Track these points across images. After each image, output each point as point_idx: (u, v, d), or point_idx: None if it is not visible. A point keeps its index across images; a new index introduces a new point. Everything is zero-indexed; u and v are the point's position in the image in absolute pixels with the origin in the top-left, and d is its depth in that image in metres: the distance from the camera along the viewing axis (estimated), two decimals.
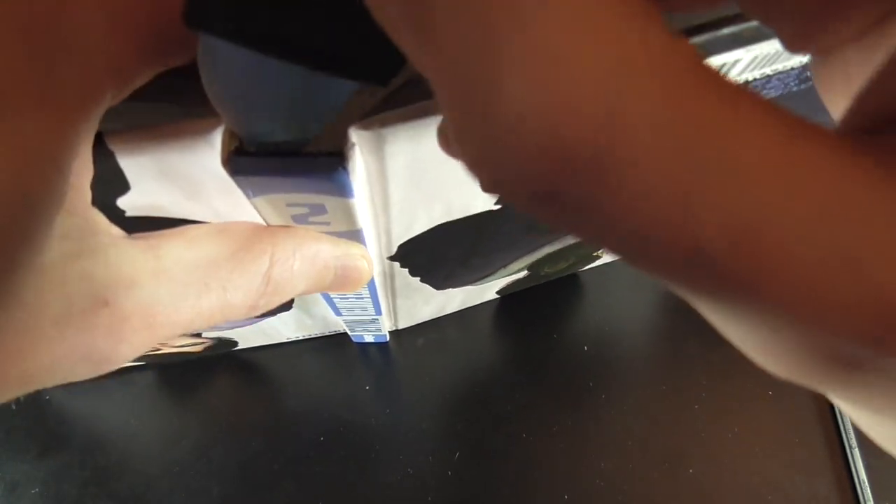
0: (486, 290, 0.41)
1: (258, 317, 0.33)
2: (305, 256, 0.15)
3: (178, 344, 0.37)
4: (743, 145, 0.06)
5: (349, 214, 0.16)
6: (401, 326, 0.42)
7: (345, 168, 0.13)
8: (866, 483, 0.36)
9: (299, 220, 0.16)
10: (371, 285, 0.26)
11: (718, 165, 0.06)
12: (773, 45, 0.17)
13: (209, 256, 0.13)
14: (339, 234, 0.17)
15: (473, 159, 0.07)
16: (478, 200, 0.22)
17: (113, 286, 0.11)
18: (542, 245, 0.32)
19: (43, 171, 0.09)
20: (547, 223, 0.07)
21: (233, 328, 0.35)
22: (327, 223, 0.16)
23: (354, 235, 0.17)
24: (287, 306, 0.32)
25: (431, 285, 0.32)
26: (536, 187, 0.07)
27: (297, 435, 0.39)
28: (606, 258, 0.44)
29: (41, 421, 0.40)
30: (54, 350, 0.11)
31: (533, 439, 0.38)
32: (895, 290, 0.06)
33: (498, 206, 0.23)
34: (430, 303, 0.37)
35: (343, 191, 0.14)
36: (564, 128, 0.06)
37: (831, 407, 0.39)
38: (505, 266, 0.35)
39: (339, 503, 0.36)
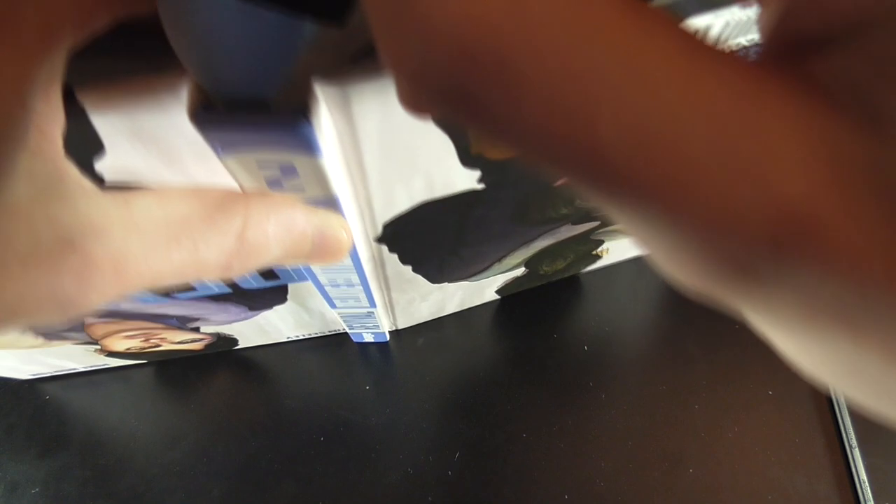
0: (485, 289, 0.41)
1: (253, 310, 0.33)
2: (281, 221, 0.15)
3: (178, 340, 0.37)
4: (648, 53, 0.06)
5: (321, 178, 0.16)
6: (400, 326, 0.42)
7: (308, 120, 0.13)
8: (866, 483, 0.36)
9: (273, 184, 0.16)
10: (360, 271, 0.26)
11: (622, 70, 0.06)
12: (745, 13, 0.17)
13: (181, 213, 0.13)
14: (316, 203, 0.17)
15: (393, 59, 0.07)
16: (458, 177, 0.22)
17: (81, 232, 0.11)
18: (534, 238, 0.32)
19: (3, 105, 0.09)
20: (464, 124, 0.08)
21: (231, 322, 0.35)
22: (301, 189, 0.16)
23: (331, 203, 0.17)
24: (282, 298, 0.32)
25: (424, 277, 0.32)
26: (445, 81, 0.07)
27: (297, 435, 0.39)
28: (607, 259, 0.44)
29: (41, 421, 0.40)
30: (19, 288, 0.11)
31: (533, 439, 0.38)
32: (792, 196, 0.07)
33: (481, 186, 0.23)
34: (427, 299, 0.37)
35: (309, 147, 0.14)
36: (468, 23, 0.06)
37: (831, 407, 0.39)
38: (499, 261, 0.34)
39: (339, 503, 0.36)
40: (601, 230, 0.35)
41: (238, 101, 0.13)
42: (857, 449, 0.37)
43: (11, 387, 0.41)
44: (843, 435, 0.38)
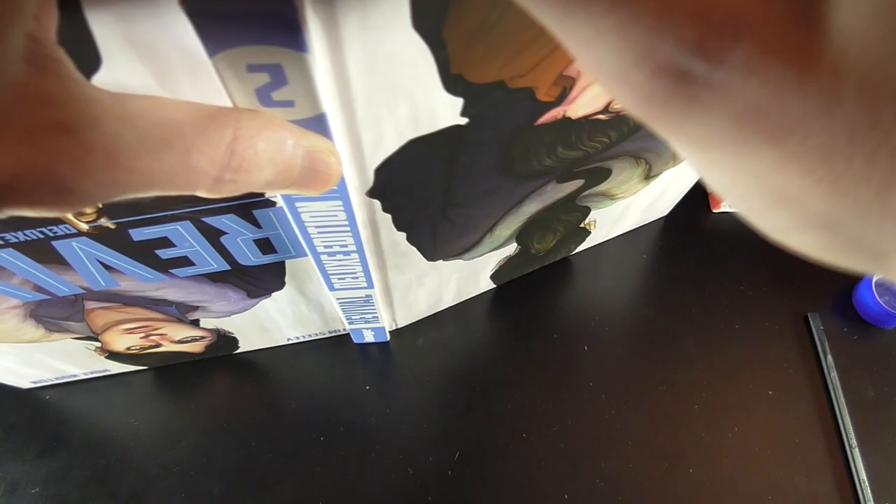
0: (480, 274, 0.41)
1: (252, 297, 0.33)
2: (271, 139, 0.15)
3: (179, 338, 0.37)
4: None
5: (310, 86, 0.16)
6: (400, 324, 0.42)
7: (291, 4, 0.14)
8: (866, 483, 0.36)
9: (264, 96, 0.17)
10: (356, 232, 0.26)
11: None
12: None
13: (173, 118, 0.13)
14: (306, 125, 0.18)
15: None
16: (442, 107, 0.22)
17: (76, 116, 0.11)
18: (522, 199, 0.32)
19: None
20: None
21: (230, 314, 0.35)
22: (291, 103, 0.17)
23: (320, 125, 0.18)
24: (280, 282, 0.32)
25: (418, 249, 0.32)
26: None
27: (297, 435, 0.39)
28: (596, 234, 0.44)
29: (41, 421, 0.40)
30: (19, 164, 0.11)
31: (533, 439, 0.38)
32: (718, 1, 0.08)
33: (464, 120, 0.23)
34: (424, 284, 0.37)
35: (295, 37, 0.15)
36: None
37: (831, 407, 0.39)
38: (490, 231, 0.34)
39: (339, 503, 0.36)
40: (586, 192, 0.36)
41: None
42: (857, 449, 0.37)
43: (12, 387, 0.41)
44: (843, 435, 0.38)
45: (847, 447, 0.37)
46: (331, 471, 0.38)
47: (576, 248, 0.45)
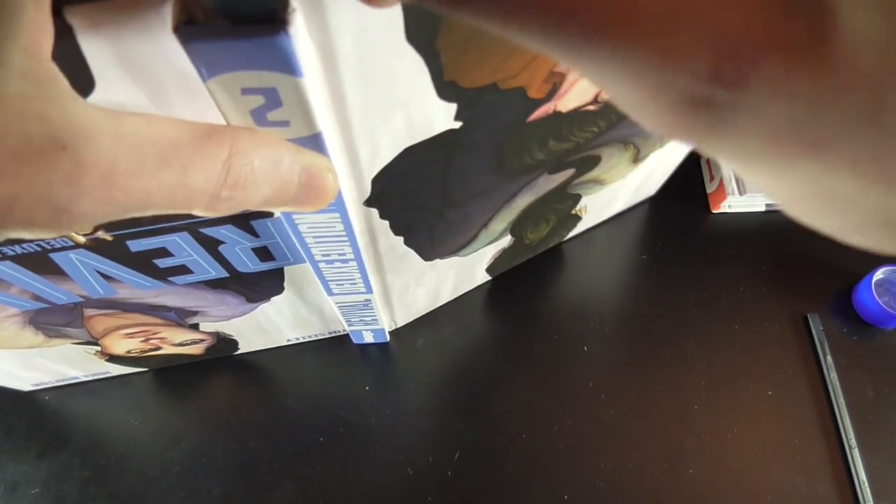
0: (476, 268, 0.41)
1: (251, 302, 0.33)
2: (267, 156, 0.15)
3: (178, 341, 0.37)
4: None
5: (304, 107, 0.16)
6: (399, 323, 0.42)
7: (286, 32, 0.14)
8: (866, 483, 0.36)
9: (259, 117, 0.17)
10: (353, 242, 0.26)
11: None
12: None
13: (169, 136, 0.13)
14: (302, 142, 0.18)
15: None
16: (436, 113, 0.22)
17: (71, 133, 0.11)
18: (515, 193, 0.32)
19: None
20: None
21: (230, 318, 0.35)
22: (286, 123, 0.17)
23: (317, 144, 0.18)
24: (279, 287, 0.32)
25: (416, 251, 0.32)
26: None
27: (297, 435, 0.39)
28: (586, 220, 0.44)
29: (41, 421, 0.40)
30: (15, 185, 0.11)
31: (533, 439, 0.38)
32: (727, 25, 0.08)
33: (458, 124, 0.23)
34: (422, 283, 0.37)
35: (289, 62, 0.15)
36: None
37: (831, 407, 0.39)
38: (486, 227, 0.35)
39: (339, 503, 0.37)
40: (577, 180, 0.36)
41: (223, 9, 0.14)
42: (856, 449, 0.37)
43: (12, 389, 0.41)
44: (843, 435, 0.38)
45: (846, 447, 0.37)
46: (331, 471, 0.38)
47: (567, 235, 0.46)
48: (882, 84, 0.07)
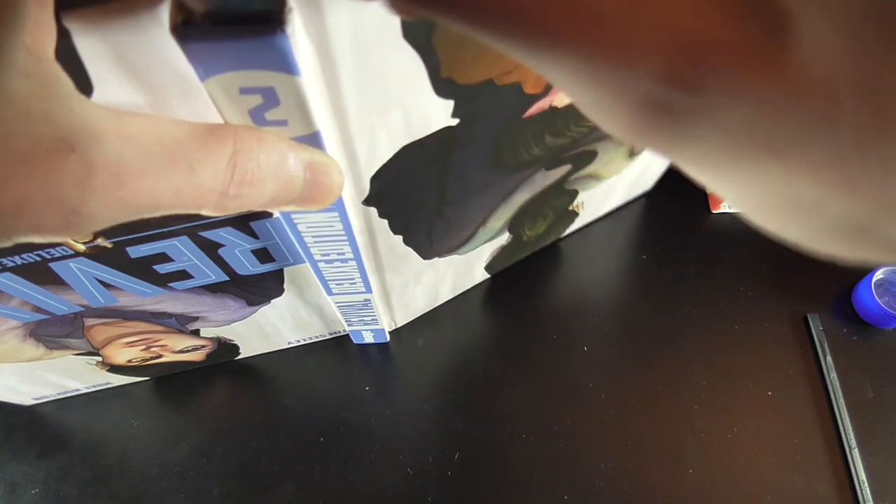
0: (474, 266, 0.41)
1: (251, 305, 0.33)
2: (272, 151, 0.15)
3: (179, 347, 0.37)
4: None
5: (303, 106, 0.16)
6: (399, 323, 0.42)
7: (283, 31, 0.14)
8: (866, 483, 0.36)
9: (257, 116, 0.17)
10: (352, 241, 0.26)
11: None
12: None
13: (172, 134, 0.13)
14: (301, 141, 0.18)
15: None
16: (433, 110, 0.22)
17: (78, 133, 0.11)
18: (512, 190, 0.32)
19: None
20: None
21: (231, 322, 0.35)
22: (284, 121, 0.17)
23: (315, 140, 0.18)
24: (279, 289, 0.32)
25: (415, 249, 0.32)
26: None
27: (297, 435, 0.39)
28: (584, 216, 0.45)
29: (41, 421, 0.40)
30: (25, 189, 0.11)
31: (533, 439, 0.38)
32: (684, 28, 0.07)
33: (455, 121, 0.23)
34: (421, 282, 0.37)
35: (286, 62, 0.15)
36: None
37: (831, 407, 0.39)
38: (483, 224, 0.35)
39: (339, 503, 0.37)
40: (574, 176, 0.36)
41: (220, 10, 0.14)
42: (856, 449, 0.37)
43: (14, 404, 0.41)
44: (843, 435, 0.38)
45: (846, 447, 0.37)
46: (331, 471, 0.38)
47: (565, 231, 0.46)
48: (837, 89, 0.07)
